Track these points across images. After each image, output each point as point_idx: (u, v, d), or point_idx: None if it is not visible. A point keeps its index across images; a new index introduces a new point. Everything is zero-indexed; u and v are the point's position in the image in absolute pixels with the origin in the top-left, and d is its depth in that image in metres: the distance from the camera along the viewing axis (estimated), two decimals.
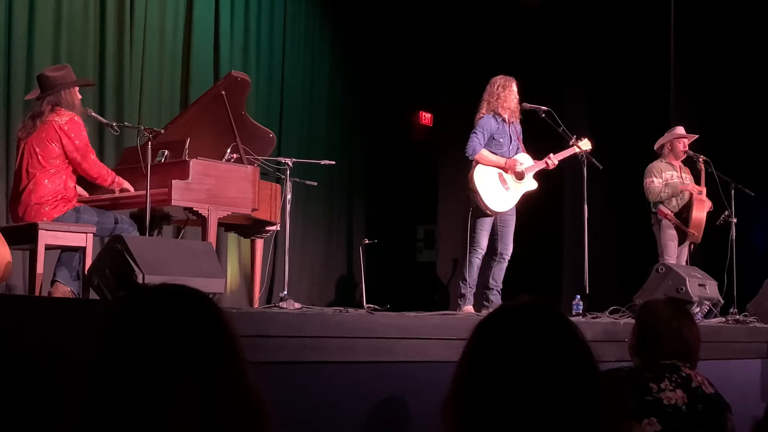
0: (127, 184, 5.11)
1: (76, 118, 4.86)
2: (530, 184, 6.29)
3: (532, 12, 9.09)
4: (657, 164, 7.08)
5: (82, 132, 4.86)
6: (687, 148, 7.03)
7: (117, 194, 5.11)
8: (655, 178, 6.99)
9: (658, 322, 2.86)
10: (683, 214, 6.95)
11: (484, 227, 6.15)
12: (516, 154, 6.28)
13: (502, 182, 6.19)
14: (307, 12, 9.18)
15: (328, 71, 9.35)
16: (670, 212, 6.95)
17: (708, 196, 7.01)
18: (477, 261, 6.16)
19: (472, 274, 6.15)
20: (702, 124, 8.42)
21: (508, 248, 6.23)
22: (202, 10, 7.98)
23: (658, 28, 8.55)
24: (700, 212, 6.87)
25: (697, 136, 7.16)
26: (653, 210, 7.05)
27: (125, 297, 1.31)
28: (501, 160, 6.19)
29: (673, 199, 6.98)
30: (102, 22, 7.17)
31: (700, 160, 6.94)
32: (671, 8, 8.45)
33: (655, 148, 7.14)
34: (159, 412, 1.17)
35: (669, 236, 6.93)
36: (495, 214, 6.16)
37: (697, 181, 7.04)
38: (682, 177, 7.03)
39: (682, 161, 7.16)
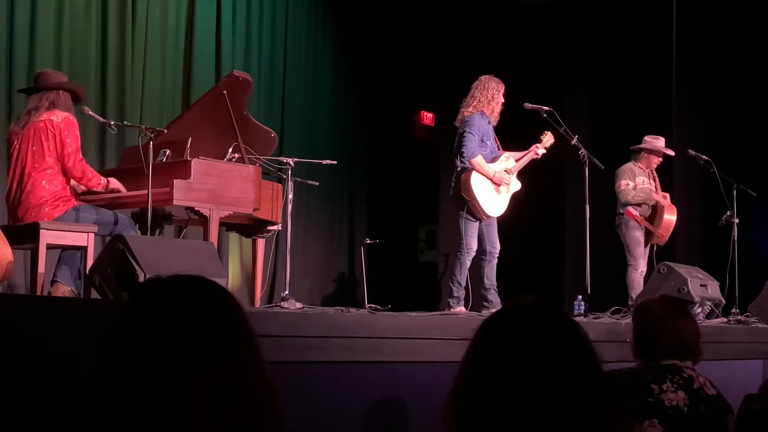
0: (117, 184, 5.07)
1: (71, 117, 4.85)
2: (516, 186, 6.37)
3: (535, 16, 9.08)
4: (630, 167, 7.09)
5: (75, 132, 4.84)
6: (659, 162, 7.11)
7: (107, 194, 5.08)
8: (630, 182, 7.00)
9: (653, 320, 2.87)
10: (650, 217, 7.00)
11: (474, 230, 6.22)
12: (494, 156, 6.31)
13: (494, 187, 6.22)
14: (309, 11, 9.18)
15: (330, 71, 9.35)
16: (638, 214, 6.96)
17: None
18: (468, 263, 6.21)
19: (464, 274, 6.21)
20: (704, 124, 8.41)
21: (495, 246, 6.30)
22: (204, 9, 7.99)
23: (659, 31, 8.55)
24: (672, 215, 6.95)
25: (673, 153, 7.21)
26: (620, 211, 7.04)
27: (139, 287, 1.32)
28: (490, 171, 6.20)
29: (643, 204, 7.01)
30: (104, 21, 7.17)
31: (702, 157, 6.93)
32: (673, 11, 8.45)
33: (633, 148, 7.17)
34: (172, 400, 1.16)
35: (636, 238, 6.94)
36: (489, 218, 6.20)
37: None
38: (651, 184, 7.09)
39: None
